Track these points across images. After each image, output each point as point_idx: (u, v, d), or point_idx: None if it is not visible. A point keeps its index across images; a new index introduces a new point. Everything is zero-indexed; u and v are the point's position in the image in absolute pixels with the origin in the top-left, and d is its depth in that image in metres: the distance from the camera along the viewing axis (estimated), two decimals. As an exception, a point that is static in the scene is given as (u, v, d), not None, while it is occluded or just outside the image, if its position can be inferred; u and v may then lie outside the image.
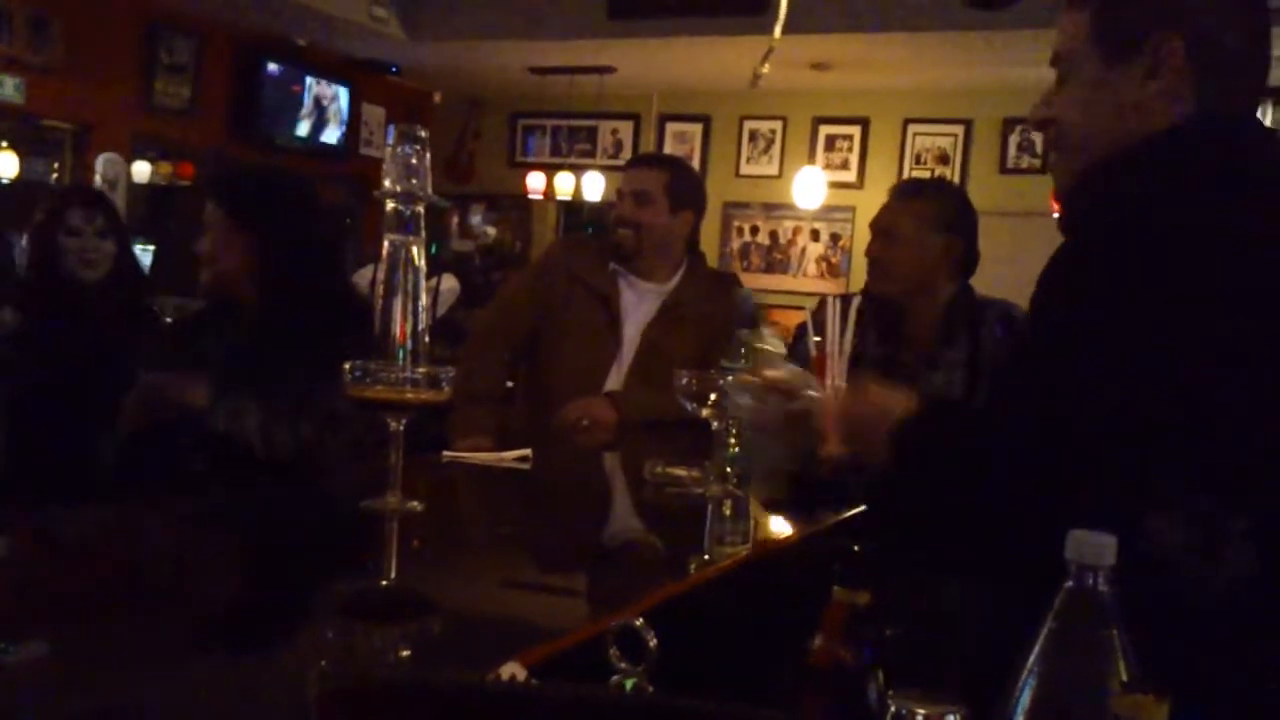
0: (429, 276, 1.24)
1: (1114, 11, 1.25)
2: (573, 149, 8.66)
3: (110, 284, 2.68)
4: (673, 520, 1.82)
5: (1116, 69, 1.23)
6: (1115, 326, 1.10)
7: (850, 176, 7.84)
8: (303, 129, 7.60)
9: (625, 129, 8.49)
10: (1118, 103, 1.24)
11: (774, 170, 8.06)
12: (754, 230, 8.16)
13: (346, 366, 1.19)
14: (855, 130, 7.86)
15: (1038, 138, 6.56)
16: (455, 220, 8.88)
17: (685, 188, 2.87)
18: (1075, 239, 1.25)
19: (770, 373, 1.47)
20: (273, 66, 7.31)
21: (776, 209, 8.00)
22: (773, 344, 1.78)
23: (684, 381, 1.79)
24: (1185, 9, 1.22)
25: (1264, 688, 1.01)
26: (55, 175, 6.14)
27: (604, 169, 7.71)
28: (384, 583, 1.21)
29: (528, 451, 2.18)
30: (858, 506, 1.59)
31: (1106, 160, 1.24)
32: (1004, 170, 7.21)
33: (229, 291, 2.15)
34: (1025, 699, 0.74)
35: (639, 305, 2.82)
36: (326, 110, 7.77)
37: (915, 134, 7.69)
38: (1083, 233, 1.25)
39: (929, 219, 2.57)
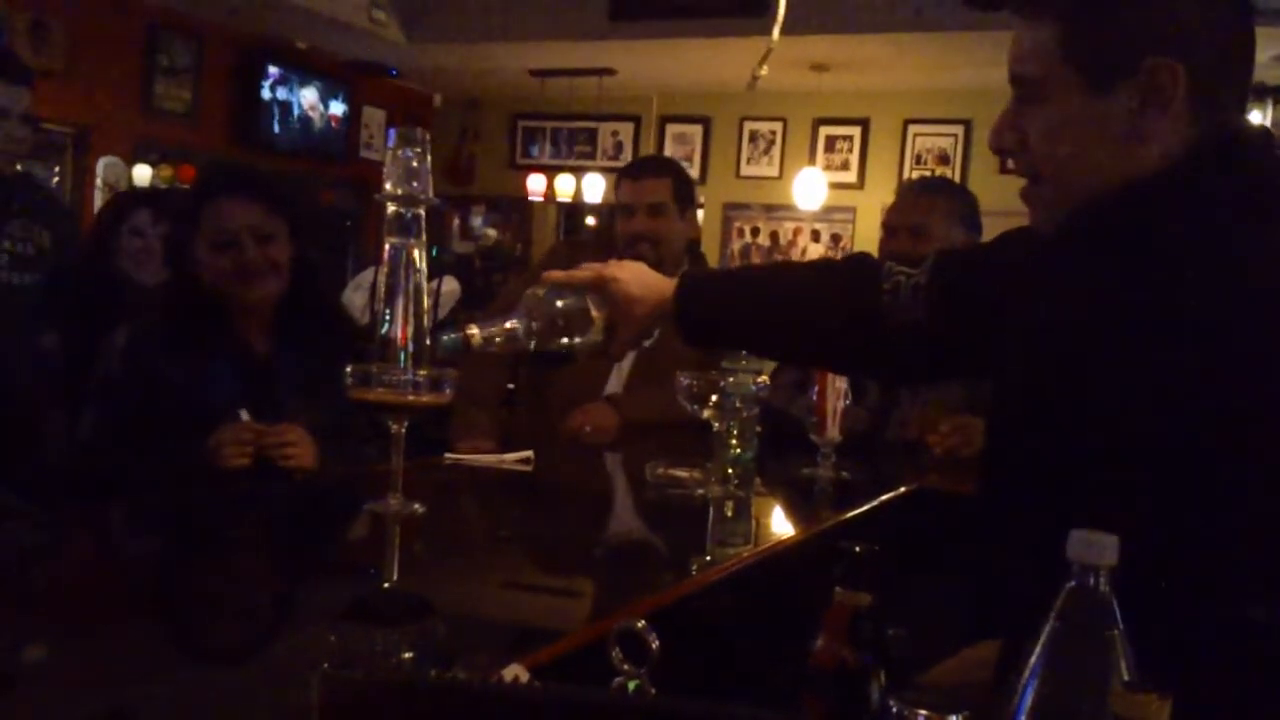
0: (430, 279, 1.24)
1: (1096, 33, 1.11)
2: (573, 151, 8.66)
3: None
4: (674, 521, 1.82)
5: (1103, 96, 1.10)
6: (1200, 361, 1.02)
7: (850, 177, 7.84)
8: (303, 132, 7.60)
9: (626, 130, 8.49)
10: (1108, 134, 1.11)
11: (774, 171, 8.06)
12: (754, 231, 8.16)
13: (347, 370, 1.19)
14: (855, 131, 7.86)
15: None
16: (456, 223, 8.89)
17: (687, 187, 2.87)
18: (1098, 286, 1.12)
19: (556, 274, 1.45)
20: (273, 69, 7.31)
21: (777, 210, 8.00)
22: None
23: (685, 383, 1.80)
24: (1184, 34, 1.09)
25: (1265, 685, 1.01)
26: (56, 179, 6.14)
27: (604, 170, 7.71)
28: (386, 585, 1.21)
29: (529, 453, 2.19)
30: None
31: (1110, 196, 1.12)
32: (1004, 170, 7.17)
33: (268, 303, 2.13)
34: (1027, 699, 0.74)
35: (639, 307, 2.81)
36: (326, 113, 7.77)
37: (915, 134, 7.69)
38: (1109, 280, 1.12)
39: (953, 215, 2.59)
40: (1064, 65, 1.12)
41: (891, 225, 2.70)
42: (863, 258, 1.48)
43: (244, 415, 1.96)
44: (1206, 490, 1.02)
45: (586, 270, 1.45)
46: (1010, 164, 1.23)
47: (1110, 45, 1.11)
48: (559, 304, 1.40)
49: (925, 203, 2.65)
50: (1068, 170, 1.15)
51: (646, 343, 1.49)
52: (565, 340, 1.40)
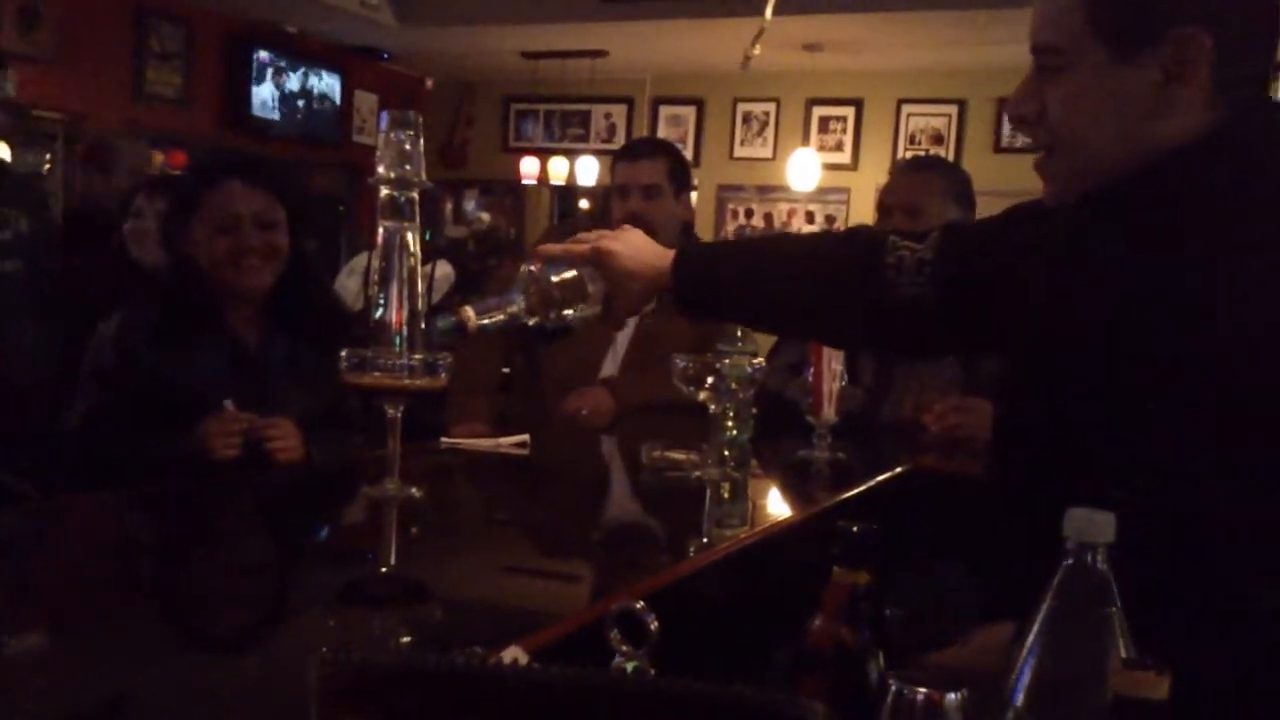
0: (424, 263, 1.24)
1: (1122, 0, 1.09)
2: (566, 133, 8.64)
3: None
4: (671, 504, 1.82)
5: (1126, 67, 1.08)
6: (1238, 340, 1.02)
7: (844, 158, 7.82)
8: (295, 116, 7.56)
9: (619, 112, 8.47)
10: (1129, 106, 1.09)
11: (768, 153, 8.04)
12: (748, 213, 8.14)
13: (343, 354, 1.19)
14: (849, 111, 7.84)
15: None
16: (449, 207, 8.86)
17: (682, 170, 2.86)
18: (1124, 270, 1.10)
19: (551, 247, 1.44)
20: (264, 54, 7.27)
21: (771, 191, 7.99)
22: None
23: (681, 365, 1.80)
24: (1211, 3, 1.07)
25: (1264, 661, 1.01)
26: (48, 167, 6.11)
27: (597, 153, 7.69)
28: (384, 569, 1.21)
29: (525, 437, 2.18)
30: None
31: (1130, 171, 1.10)
32: (998, 149, 7.19)
33: (263, 291, 2.12)
34: (1025, 677, 0.75)
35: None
36: (318, 98, 7.74)
37: (909, 114, 7.67)
38: (1127, 257, 1.11)
39: (948, 194, 2.59)
40: (1088, 34, 1.09)
41: (886, 205, 2.70)
42: (864, 230, 1.46)
43: (229, 406, 1.95)
44: (1219, 473, 1.01)
45: (582, 245, 1.43)
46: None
47: (1136, 13, 1.08)
48: (554, 279, 1.38)
49: (920, 181, 2.65)
50: (1086, 142, 1.13)
51: (647, 308, 1.48)
52: (563, 313, 1.38)
